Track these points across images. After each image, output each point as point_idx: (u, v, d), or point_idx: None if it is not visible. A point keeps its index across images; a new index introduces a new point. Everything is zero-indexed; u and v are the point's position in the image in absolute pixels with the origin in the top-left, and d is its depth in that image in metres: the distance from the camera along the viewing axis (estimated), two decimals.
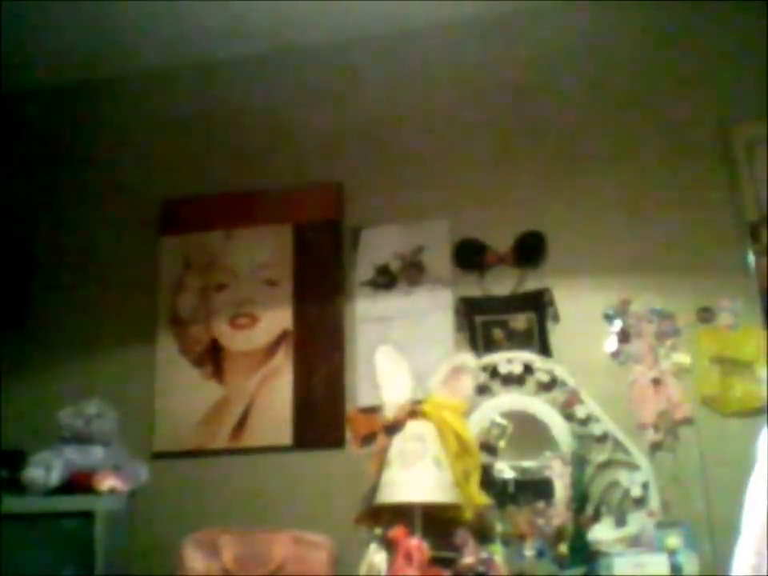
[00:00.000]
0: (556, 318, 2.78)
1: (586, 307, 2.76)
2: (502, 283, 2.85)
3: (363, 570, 2.29)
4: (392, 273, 2.96)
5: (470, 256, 2.89)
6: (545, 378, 2.69)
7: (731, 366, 2.59)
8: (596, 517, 2.44)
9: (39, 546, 2.42)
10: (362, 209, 3.05)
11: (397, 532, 2.25)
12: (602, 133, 2.91)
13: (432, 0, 3.00)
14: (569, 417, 2.61)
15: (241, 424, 2.93)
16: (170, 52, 3.27)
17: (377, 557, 2.28)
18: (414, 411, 2.40)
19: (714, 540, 2.38)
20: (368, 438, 2.74)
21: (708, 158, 2.79)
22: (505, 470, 2.50)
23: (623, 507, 2.50)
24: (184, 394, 2.99)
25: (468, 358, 2.55)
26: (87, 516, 2.41)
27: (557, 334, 2.77)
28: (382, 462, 2.37)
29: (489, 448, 2.54)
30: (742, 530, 1.46)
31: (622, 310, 2.71)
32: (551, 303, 2.79)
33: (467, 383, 2.47)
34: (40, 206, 3.36)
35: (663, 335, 2.66)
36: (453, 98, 3.09)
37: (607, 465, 2.58)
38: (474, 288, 2.88)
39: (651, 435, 2.59)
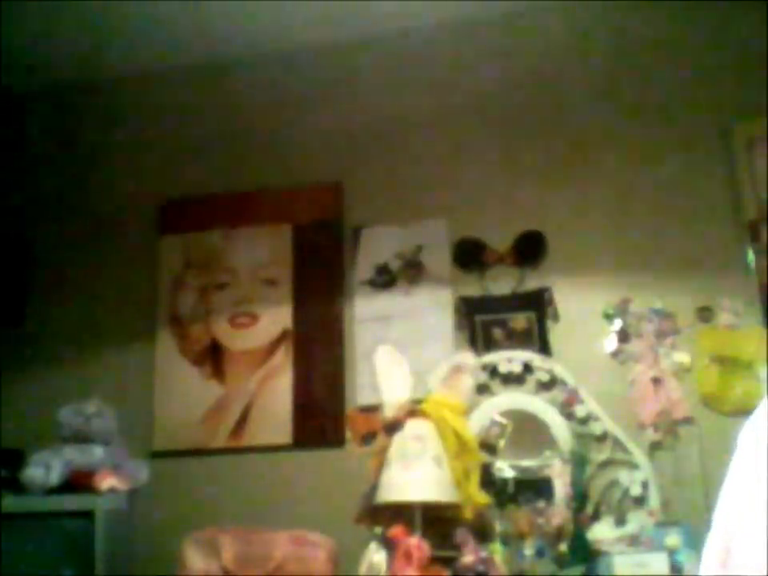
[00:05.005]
0: (556, 318, 2.78)
1: (586, 306, 2.76)
2: (501, 282, 2.85)
3: (363, 569, 2.28)
4: (392, 272, 2.96)
5: (470, 255, 2.89)
6: (544, 377, 2.69)
7: (731, 365, 2.59)
8: (596, 516, 2.44)
9: (39, 545, 2.41)
10: (362, 209, 3.05)
11: (396, 531, 2.24)
12: (601, 132, 2.91)
13: (432, 0, 3.00)
14: (569, 416, 2.61)
15: (241, 423, 2.93)
16: (170, 52, 3.27)
17: (376, 556, 2.28)
18: (414, 410, 2.39)
19: None
20: (368, 438, 2.74)
21: (708, 157, 2.79)
22: (505, 469, 2.50)
23: (623, 506, 2.50)
24: (184, 394, 2.99)
25: (468, 357, 2.54)
26: (87, 516, 2.40)
27: (557, 334, 2.77)
28: (381, 462, 2.36)
29: (489, 447, 2.54)
30: (713, 528, 1.45)
31: (621, 309, 2.71)
32: (551, 302, 2.79)
33: (467, 382, 2.47)
34: (40, 205, 3.36)
35: (663, 334, 2.66)
36: (453, 98, 3.09)
37: (607, 464, 2.59)
38: (473, 287, 2.88)
39: (651, 434, 2.59)
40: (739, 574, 1.29)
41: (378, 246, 3.00)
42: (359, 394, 2.86)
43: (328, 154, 3.14)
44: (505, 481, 2.48)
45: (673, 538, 2.26)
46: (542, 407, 2.64)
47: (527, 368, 2.71)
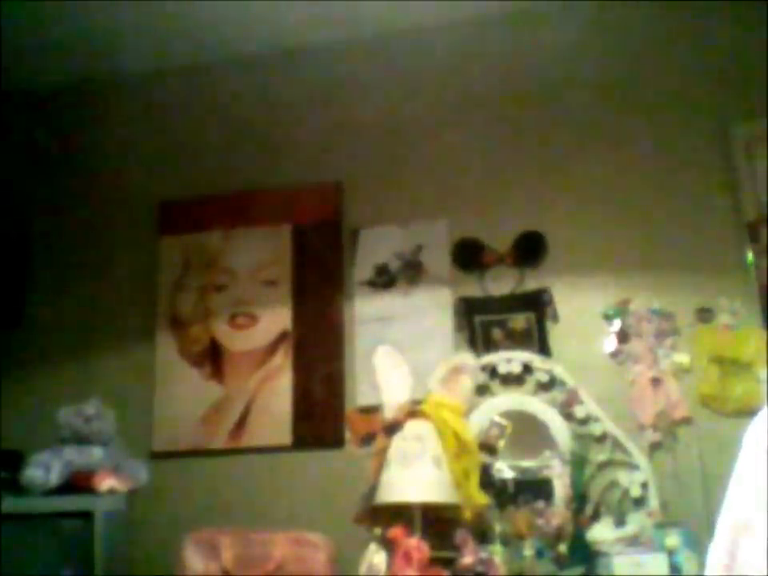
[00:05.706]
0: (555, 318, 2.78)
1: (586, 307, 2.76)
2: (501, 283, 2.85)
3: (363, 570, 2.28)
4: (391, 273, 2.96)
5: (470, 256, 2.89)
6: (544, 377, 2.69)
7: (730, 365, 2.59)
8: (595, 517, 2.44)
9: (38, 546, 2.41)
10: (362, 209, 3.05)
11: (396, 532, 2.24)
12: (601, 132, 2.91)
13: (432, 0, 3.00)
14: (568, 417, 2.61)
15: (240, 424, 2.93)
16: (169, 52, 3.28)
17: (376, 557, 2.28)
18: (414, 411, 2.39)
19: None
20: (367, 438, 2.73)
21: (708, 157, 2.79)
22: (504, 469, 2.50)
23: (622, 507, 2.50)
24: (183, 394, 2.99)
25: (467, 358, 2.54)
26: (86, 516, 2.40)
27: (556, 334, 2.77)
28: (381, 462, 2.36)
29: (488, 448, 2.53)
30: (717, 531, 1.45)
31: (621, 310, 2.71)
32: (550, 303, 2.79)
33: (466, 383, 2.46)
34: (40, 206, 3.36)
35: (662, 335, 2.66)
36: (452, 98, 3.09)
37: (606, 465, 2.59)
38: (473, 288, 2.88)
39: (650, 435, 2.59)
40: (743, 575, 1.30)
41: (378, 246, 3.00)
42: (359, 395, 2.86)
43: (328, 154, 3.15)
44: (504, 481, 2.48)
45: (672, 539, 2.26)
46: (542, 408, 2.63)
47: (527, 369, 2.71)
